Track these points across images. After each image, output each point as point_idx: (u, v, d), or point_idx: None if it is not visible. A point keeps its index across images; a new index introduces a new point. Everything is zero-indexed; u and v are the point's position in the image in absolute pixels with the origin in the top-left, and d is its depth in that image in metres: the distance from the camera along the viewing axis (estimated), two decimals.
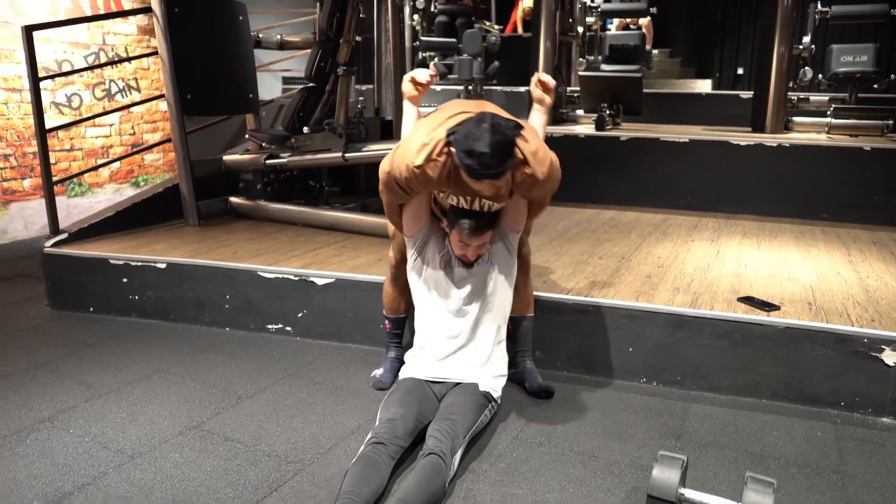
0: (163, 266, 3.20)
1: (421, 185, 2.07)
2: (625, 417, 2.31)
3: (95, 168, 4.88)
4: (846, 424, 2.28)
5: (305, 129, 3.75)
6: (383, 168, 2.10)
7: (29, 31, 3.34)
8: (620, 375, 2.61)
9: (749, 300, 2.60)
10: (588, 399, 2.45)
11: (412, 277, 2.33)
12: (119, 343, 2.96)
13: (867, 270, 3.12)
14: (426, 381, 2.19)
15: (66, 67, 5.35)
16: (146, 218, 3.96)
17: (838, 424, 2.28)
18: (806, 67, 5.31)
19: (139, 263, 3.24)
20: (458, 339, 2.24)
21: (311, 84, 3.81)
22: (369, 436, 1.90)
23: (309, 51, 3.98)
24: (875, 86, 5.18)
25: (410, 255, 2.32)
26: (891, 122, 4.73)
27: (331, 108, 3.81)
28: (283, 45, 4.46)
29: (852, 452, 2.10)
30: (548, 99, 2.35)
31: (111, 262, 3.28)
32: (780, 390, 2.43)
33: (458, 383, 2.18)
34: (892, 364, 2.30)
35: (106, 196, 5.81)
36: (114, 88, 5.88)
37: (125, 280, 3.26)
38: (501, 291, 2.28)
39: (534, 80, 2.37)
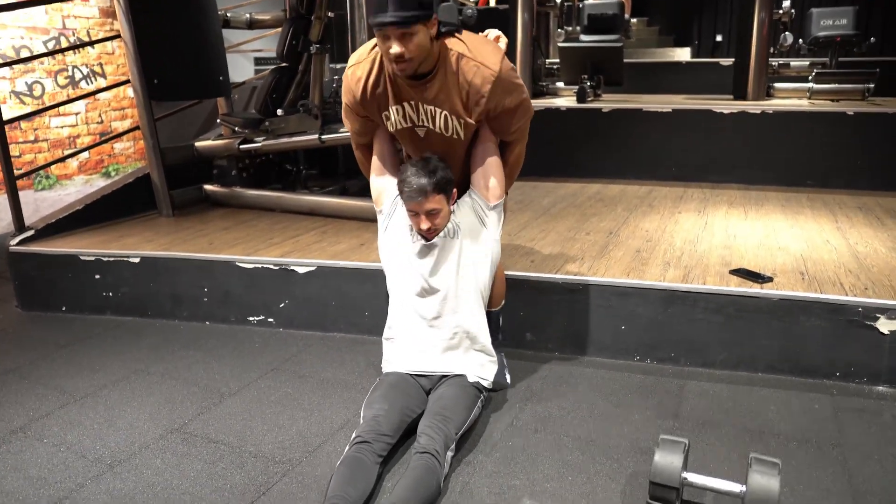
0: (136, 260, 3.07)
1: (356, 92, 2.04)
2: (621, 398, 2.26)
3: (62, 160, 4.69)
4: (843, 395, 2.26)
5: (279, 112, 3.61)
6: None
7: None
8: (614, 354, 2.56)
9: (741, 272, 2.56)
10: (582, 380, 2.40)
11: (381, 255, 2.23)
12: (94, 343, 2.85)
13: (856, 237, 3.09)
14: (411, 374, 2.11)
15: (24, 54, 5.12)
16: (117, 210, 3.81)
17: (835, 396, 2.25)
18: (786, 32, 5.25)
19: (111, 259, 3.11)
20: (427, 320, 2.10)
21: (283, 64, 3.66)
22: (353, 435, 1.82)
23: (279, 29, 3.82)
24: (856, 49, 5.12)
25: (380, 227, 2.21)
26: (871, 85, 4.70)
27: (305, 89, 3.67)
28: (252, 24, 4.28)
29: (850, 424, 2.07)
30: (501, 43, 2.21)
31: (82, 258, 3.15)
32: (776, 363, 2.40)
33: (445, 375, 2.09)
34: (886, 332, 2.27)
35: (75, 188, 5.61)
36: (78, 75, 5.65)
37: (97, 276, 3.13)
38: (476, 270, 2.11)
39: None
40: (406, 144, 2.21)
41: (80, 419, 2.21)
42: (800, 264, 2.68)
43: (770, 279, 2.48)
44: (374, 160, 2.20)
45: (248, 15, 4.25)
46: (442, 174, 2.02)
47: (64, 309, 3.22)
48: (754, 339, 2.40)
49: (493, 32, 2.21)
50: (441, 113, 2.02)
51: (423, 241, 2.09)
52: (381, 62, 1.99)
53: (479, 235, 2.13)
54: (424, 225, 2.03)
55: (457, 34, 1.98)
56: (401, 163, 2.20)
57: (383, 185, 2.18)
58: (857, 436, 2.01)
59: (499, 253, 2.19)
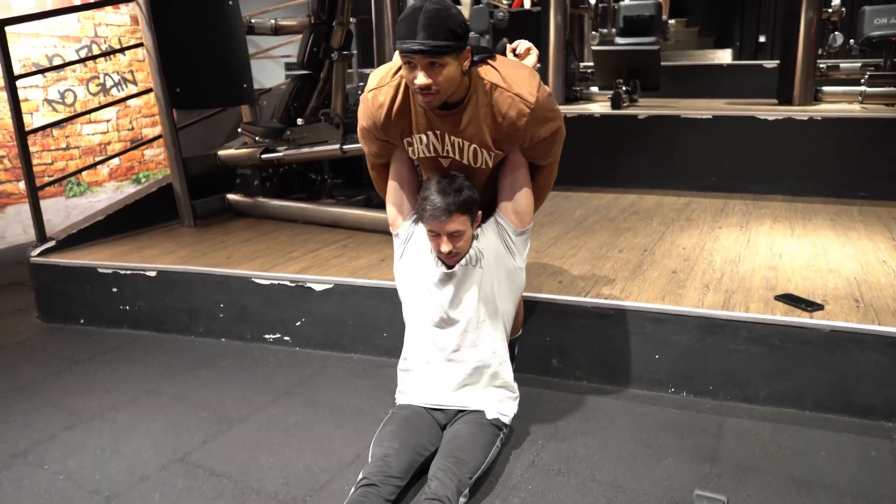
0: (153, 274, 3.01)
1: (378, 118, 1.89)
2: (652, 437, 2.09)
3: (90, 167, 4.69)
4: None
5: (300, 121, 3.52)
6: None
7: (1, 25, 3.13)
8: (646, 385, 2.38)
9: (788, 298, 2.35)
10: (611, 414, 2.22)
11: (398, 283, 2.09)
12: (108, 360, 2.79)
13: None
14: (425, 407, 1.97)
15: (57, 62, 5.16)
16: (140, 220, 3.77)
17: (894, 441, 2.04)
18: (836, 32, 4.94)
19: (128, 272, 3.05)
20: (446, 352, 1.96)
21: (304, 71, 3.57)
22: (360, 476, 1.70)
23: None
24: None
25: (396, 253, 2.08)
26: None
27: (327, 97, 3.57)
28: (277, 31, 4.21)
29: None
30: (532, 56, 2.07)
31: (99, 270, 3.10)
32: (826, 400, 2.19)
33: (462, 410, 1.95)
34: None
35: (106, 195, 5.64)
36: (109, 82, 5.68)
37: (115, 290, 3.08)
38: (499, 301, 1.97)
39: (509, 52, 2.12)
40: (427, 171, 2.07)
41: (84, 443, 2.14)
42: (854, 289, 2.46)
43: (821, 307, 2.27)
44: (391, 182, 2.07)
45: (273, 21, 4.18)
46: (468, 193, 1.89)
47: (82, 322, 3.18)
48: (801, 374, 2.20)
49: (523, 44, 2.07)
50: (470, 146, 1.88)
51: (443, 269, 1.94)
52: (407, 87, 1.83)
53: (504, 263, 1.98)
54: (445, 248, 1.88)
55: (490, 61, 1.83)
56: (419, 184, 2.06)
57: (400, 208, 2.05)
58: None
59: (524, 281, 2.04)
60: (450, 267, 1.94)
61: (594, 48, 5.18)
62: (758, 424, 2.14)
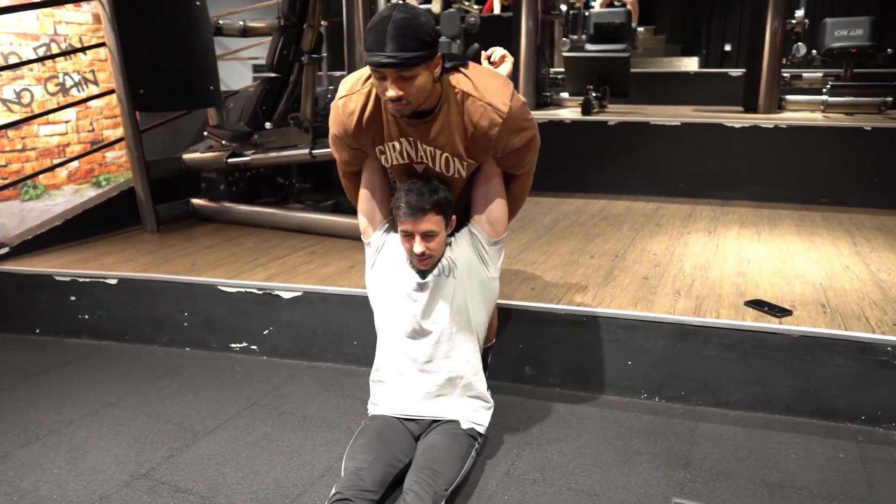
0: (114, 282, 2.91)
1: (349, 126, 1.84)
2: (627, 443, 2.08)
3: (48, 170, 4.55)
4: (869, 442, 2.07)
5: (268, 125, 3.45)
6: None
7: None
8: (619, 391, 2.38)
9: (758, 304, 2.37)
10: (584, 421, 2.21)
11: (369, 293, 2.05)
12: (66, 371, 2.68)
13: (877, 263, 2.91)
14: (398, 418, 1.93)
15: (13, 60, 4.98)
16: (100, 226, 3.65)
17: (861, 442, 2.07)
18: (799, 43, 5.06)
19: (88, 279, 2.94)
20: (418, 363, 1.92)
21: (273, 74, 3.50)
22: (333, 491, 1.65)
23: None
24: (872, 61, 4.94)
25: (368, 262, 2.04)
26: (889, 99, 4.52)
27: (296, 101, 3.51)
28: (245, 32, 4.13)
29: (882, 479, 1.88)
30: (507, 63, 2.05)
31: (57, 278, 2.98)
32: (795, 405, 2.21)
33: (436, 421, 1.91)
34: None
35: (64, 198, 5.46)
36: (69, 82, 5.51)
37: (73, 298, 2.97)
38: (473, 311, 1.94)
39: (484, 59, 2.11)
40: (400, 178, 2.03)
41: (39, 461, 2.03)
42: (820, 295, 2.50)
43: (789, 312, 2.30)
44: (363, 190, 2.02)
45: (241, 23, 4.10)
46: (443, 195, 1.86)
47: (38, 332, 3.05)
48: (771, 379, 2.22)
49: (498, 52, 2.05)
50: (442, 154, 1.85)
51: (416, 279, 1.91)
52: (377, 95, 1.79)
53: (478, 274, 1.95)
54: (419, 248, 1.84)
55: (462, 69, 1.79)
56: (391, 192, 2.02)
57: (371, 217, 2.01)
58: (890, 491, 1.83)
59: (497, 291, 2.02)
60: (423, 276, 1.91)
61: (566, 54, 5.21)
62: (729, 429, 2.15)
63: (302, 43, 3.35)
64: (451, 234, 1.96)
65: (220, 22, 4.11)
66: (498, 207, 1.95)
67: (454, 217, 1.93)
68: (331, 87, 4.03)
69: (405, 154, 1.88)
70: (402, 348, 1.94)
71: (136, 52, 3.48)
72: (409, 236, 1.86)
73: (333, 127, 1.92)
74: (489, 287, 1.98)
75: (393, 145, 1.87)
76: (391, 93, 1.64)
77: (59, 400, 2.43)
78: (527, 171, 2.00)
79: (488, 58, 2.08)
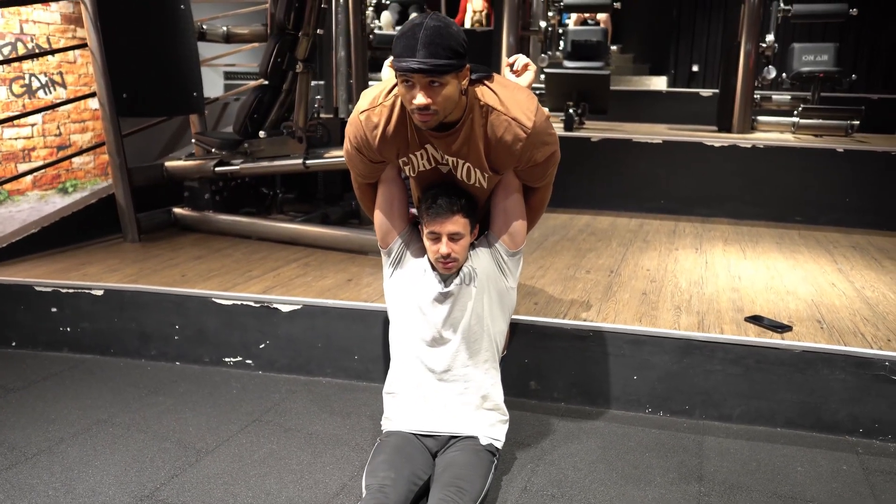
0: (100, 293, 2.79)
1: (373, 140, 1.82)
2: (638, 457, 2.09)
3: (18, 177, 4.34)
4: (869, 454, 2.13)
5: (261, 133, 3.38)
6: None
7: None
8: (624, 406, 2.39)
9: (758, 320, 2.43)
10: (593, 436, 2.22)
11: (388, 301, 2.03)
12: (49, 386, 2.55)
13: (860, 280, 3.02)
14: (415, 434, 1.90)
15: None
16: (78, 234, 3.51)
17: (861, 454, 2.13)
18: (769, 66, 5.26)
19: (71, 290, 2.81)
20: (436, 373, 1.91)
21: (265, 82, 3.44)
22: None
23: (258, 45, 3.61)
24: (838, 85, 5.17)
25: (386, 272, 2.02)
26: (856, 122, 4.72)
27: (288, 109, 3.45)
28: (229, 38, 4.05)
29: (885, 489, 1.94)
30: (530, 72, 2.07)
31: (37, 289, 2.84)
32: (796, 418, 2.27)
33: (454, 436, 1.89)
34: None
35: (29, 205, 5.22)
36: (35, 84, 5.29)
37: (54, 310, 2.83)
38: (491, 321, 1.94)
39: (505, 67, 2.13)
40: (423, 184, 2.00)
41: (31, 483, 1.92)
42: (814, 311, 2.58)
43: (789, 328, 2.36)
44: (380, 201, 1.99)
45: (225, 28, 4.02)
46: (471, 200, 1.89)
47: (15, 344, 2.90)
48: (773, 393, 2.27)
49: (521, 60, 2.06)
50: (464, 164, 1.84)
51: (439, 289, 1.90)
52: (402, 107, 1.77)
53: (496, 283, 1.95)
54: (444, 249, 1.84)
55: (486, 81, 1.79)
56: (408, 203, 2.00)
57: (390, 224, 1.98)
58: (894, 501, 1.88)
59: (515, 301, 2.02)
60: (446, 284, 1.90)
61: (547, 71, 5.28)
62: (735, 443, 2.19)
63: (296, 51, 3.30)
64: (472, 245, 1.95)
65: (204, 27, 4.02)
66: (517, 219, 1.95)
67: (477, 226, 1.93)
68: (318, 97, 3.98)
69: (431, 159, 1.88)
70: (420, 358, 1.92)
71: (120, 55, 3.37)
72: (435, 238, 1.86)
73: (353, 140, 1.89)
74: (507, 297, 1.99)
75: (419, 154, 1.86)
76: (419, 100, 1.62)
77: (45, 417, 2.31)
78: (546, 184, 2.01)
79: (510, 66, 2.08)
